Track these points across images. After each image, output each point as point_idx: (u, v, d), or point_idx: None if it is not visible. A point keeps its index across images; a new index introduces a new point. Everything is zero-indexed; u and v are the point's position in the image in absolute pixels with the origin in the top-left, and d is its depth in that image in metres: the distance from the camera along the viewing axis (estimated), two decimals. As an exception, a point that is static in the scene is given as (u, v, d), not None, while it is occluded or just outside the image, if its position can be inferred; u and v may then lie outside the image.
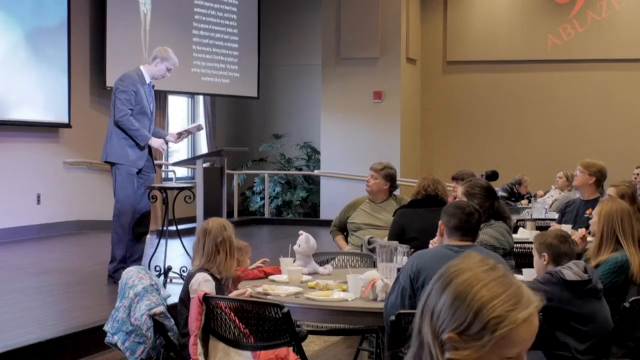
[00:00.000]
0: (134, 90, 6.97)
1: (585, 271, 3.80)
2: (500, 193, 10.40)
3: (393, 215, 5.70)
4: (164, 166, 12.56)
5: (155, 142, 7.08)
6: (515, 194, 10.71)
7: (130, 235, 7.07)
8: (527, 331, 1.54)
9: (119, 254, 7.00)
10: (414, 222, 5.39)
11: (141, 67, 7.19)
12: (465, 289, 1.55)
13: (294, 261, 4.51)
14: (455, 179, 6.64)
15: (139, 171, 7.10)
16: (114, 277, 6.92)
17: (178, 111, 13.98)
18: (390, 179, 6.16)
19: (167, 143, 7.48)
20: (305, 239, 4.51)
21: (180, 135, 7.46)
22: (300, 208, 14.36)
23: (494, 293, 1.54)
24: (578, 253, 4.49)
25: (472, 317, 1.52)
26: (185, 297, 3.96)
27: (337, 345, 5.92)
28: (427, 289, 1.62)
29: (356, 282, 3.84)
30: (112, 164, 7.07)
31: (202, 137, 14.10)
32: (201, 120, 14.00)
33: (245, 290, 3.86)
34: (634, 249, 4.28)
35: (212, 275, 3.95)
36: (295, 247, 4.50)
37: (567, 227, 5.57)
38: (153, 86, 7.24)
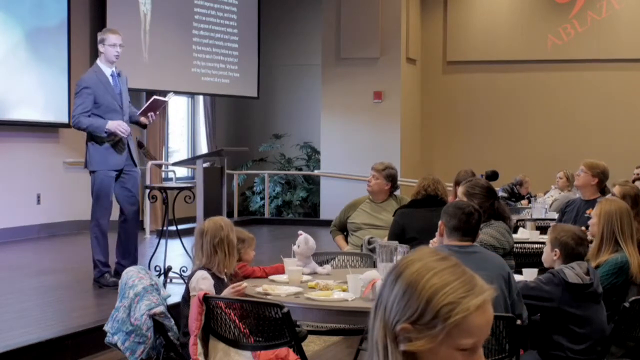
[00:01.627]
0: (89, 92, 6.72)
1: (587, 273, 3.80)
2: (501, 193, 10.38)
3: (393, 215, 5.69)
4: (164, 166, 12.57)
5: (111, 125, 6.70)
6: (515, 194, 10.70)
7: (124, 235, 7.07)
8: (480, 319, 1.51)
9: (100, 259, 6.88)
10: (414, 222, 5.39)
11: (97, 62, 6.93)
12: (416, 278, 1.52)
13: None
14: (458, 183, 6.63)
15: (121, 172, 6.93)
16: (99, 281, 6.90)
17: (178, 111, 13.98)
18: (392, 179, 6.17)
19: (140, 125, 7.18)
20: (304, 240, 4.52)
21: (146, 114, 7.11)
22: (300, 208, 14.36)
23: (445, 281, 1.51)
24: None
25: (424, 306, 1.50)
26: (187, 296, 3.96)
27: (337, 345, 5.92)
28: (379, 288, 1.59)
29: (356, 282, 3.83)
30: (91, 172, 6.90)
31: (202, 137, 14.11)
32: (201, 120, 14.00)
33: (241, 284, 3.85)
34: (633, 249, 4.28)
35: (213, 274, 3.96)
36: (295, 248, 4.50)
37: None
38: (119, 74, 6.92)
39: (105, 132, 6.71)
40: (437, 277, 1.52)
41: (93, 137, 6.80)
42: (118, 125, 6.72)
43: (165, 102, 7.39)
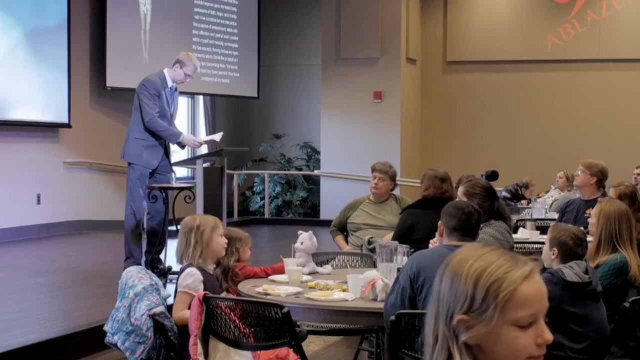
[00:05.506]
0: (157, 94, 7.18)
1: (586, 272, 3.79)
2: (504, 194, 10.38)
3: (400, 214, 5.67)
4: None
5: (187, 139, 7.33)
6: (519, 196, 10.67)
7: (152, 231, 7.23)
8: (530, 289, 1.51)
9: (131, 251, 7.17)
10: (423, 222, 5.31)
11: (164, 71, 7.37)
12: (460, 266, 1.54)
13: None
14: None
15: (154, 171, 7.26)
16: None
17: (178, 111, 13.95)
18: (395, 178, 6.18)
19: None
20: (308, 236, 4.51)
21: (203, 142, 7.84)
22: (300, 208, 14.36)
23: (487, 262, 1.53)
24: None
25: (472, 290, 1.51)
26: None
27: (337, 345, 5.92)
28: (432, 290, 1.61)
29: (356, 282, 3.83)
30: (129, 164, 7.27)
31: (202, 137, 14.09)
32: (201, 120, 14.01)
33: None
34: (632, 252, 4.26)
35: (201, 269, 4.01)
36: (297, 245, 4.49)
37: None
38: (176, 89, 7.43)
39: (177, 143, 7.34)
40: (479, 261, 1.53)
41: (139, 132, 7.19)
42: (194, 141, 7.52)
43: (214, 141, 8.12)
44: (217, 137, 7.79)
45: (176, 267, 7.22)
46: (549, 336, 1.54)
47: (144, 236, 7.40)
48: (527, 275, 1.52)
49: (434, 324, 1.56)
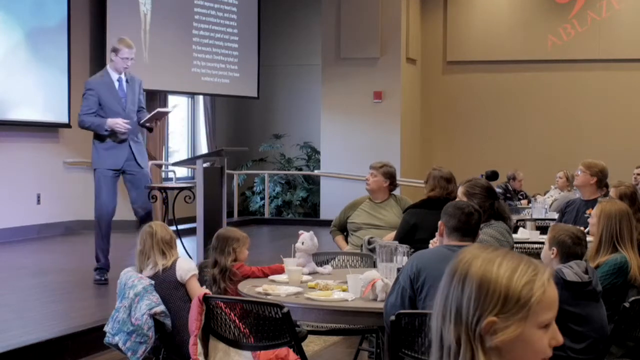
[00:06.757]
0: (92, 93, 7.00)
1: (586, 272, 3.79)
2: (497, 190, 10.41)
3: (403, 213, 5.67)
4: (164, 166, 12.56)
5: (110, 122, 6.93)
6: (510, 191, 10.70)
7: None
8: (554, 291, 1.58)
9: (96, 254, 7.12)
10: (427, 222, 5.29)
11: (107, 67, 7.22)
12: (486, 273, 1.56)
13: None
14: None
15: (124, 172, 7.10)
16: (96, 279, 7.11)
17: (178, 111, 13.96)
18: (390, 176, 6.13)
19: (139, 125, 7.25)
20: (310, 237, 4.51)
21: (151, 120, 7.28)
22: (300, 208, 14.36)
23: (513, 266, 1.56)
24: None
25: (504, 294, 1.54)
26: (177, 291, 4.00)
27: (337, 345, 5.92)
28: (441, 294, 1.60)
29: (356, 282, 3.83)
30: (94, 170, 7.14)
31: (202, 137, 14.11)
32: (201, 120, 14.02)
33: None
34: (633, 252, 4.26)
35: None
36: (298, 245, 4.48)
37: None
38: (127, 80, 7.14)
39: (106, 130, 6.95)
40: (505, 265, 1.56)
41: (97, 137, 7.05)
42: (115, 123, 6.95)
43: (167, 113, 7.77)
44: (167, 109, 7.67)
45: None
46: (561, 338, 1.60)
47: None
48: (549, 278, 1.58)
49: (455, 328, 1.56)
